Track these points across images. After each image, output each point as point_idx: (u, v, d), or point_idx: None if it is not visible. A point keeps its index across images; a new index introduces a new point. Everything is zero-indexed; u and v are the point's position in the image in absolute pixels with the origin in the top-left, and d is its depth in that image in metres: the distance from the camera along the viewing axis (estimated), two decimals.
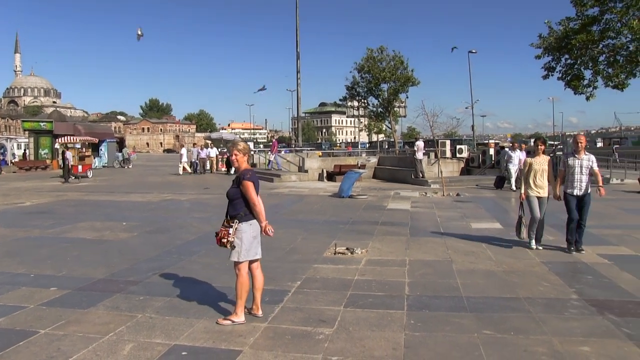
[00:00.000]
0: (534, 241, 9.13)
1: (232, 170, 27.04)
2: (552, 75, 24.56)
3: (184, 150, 34.68)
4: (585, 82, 23.95)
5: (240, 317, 5.41)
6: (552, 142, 34.36)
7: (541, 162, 9.12)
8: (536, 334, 5.06)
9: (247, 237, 5.32)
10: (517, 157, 19.80)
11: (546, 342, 4.88)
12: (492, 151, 32.30)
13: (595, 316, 5.62)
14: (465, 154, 32.82)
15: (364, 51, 41.51)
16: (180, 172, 32.62)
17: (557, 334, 5.07)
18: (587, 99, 24.08)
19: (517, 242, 9.68)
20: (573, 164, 8.86)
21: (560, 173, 9.12)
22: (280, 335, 5.12)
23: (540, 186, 9.05)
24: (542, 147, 9.29)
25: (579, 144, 8.89)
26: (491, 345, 4.77)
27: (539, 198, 9.05)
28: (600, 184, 8.96)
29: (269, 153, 33.21)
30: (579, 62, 23.56)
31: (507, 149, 22.60)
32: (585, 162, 8.81)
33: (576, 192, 8.83)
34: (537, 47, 24.42)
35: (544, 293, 6.48)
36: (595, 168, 8.90)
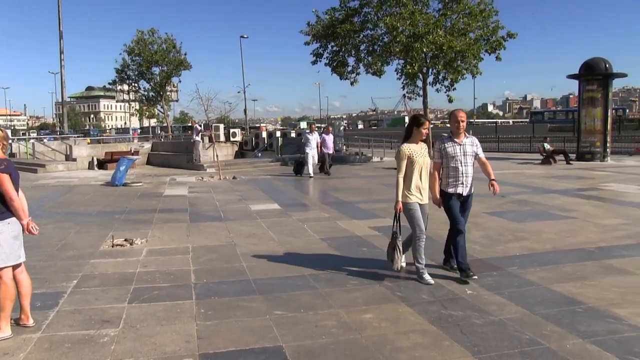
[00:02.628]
0: (427, 274, 6.11)
1: None
2: (320, 61, 25.80)
3: None
4: (349, 68, 25.68)
5: (5, 331, 4.57)
6: (320, 125, 36.24)
7: (423, 153, 6.23)
8: (324, 309, 5.21)
9: (7, 239, 4.53)
10: (315, 139, 19.44)
11: (334, 314, 5.05)
12: (264, 134, 33.21)
13: (374, 285, 6.00)
14: (239, 138, 33.23)
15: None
16: None
17: (342, 305, 5.29)
18: (352, 84, 25.89)
19: (296, 220, 10.02)
20: (453, 151, 6.17)
21: (435, 166, 6.33)
22: (58, 344, 4.45)
23: (424, 188, 6.24)
24: (425, 130, 6.23)
25: (460, 124, 6.17)
26: (284, 325, 4.77)
27: (421, 206, 6.24)
28: (492, 176, 6.47)
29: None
30: (343, 49, 25.09)
31: (306, 132, 21.50)
32: (469, 148, 6.27)
33: (460, 190, 6.22)
34: (306, 34, 25.46)
35: (327, 268, 6.74)
36: (482, 155, 6.44)
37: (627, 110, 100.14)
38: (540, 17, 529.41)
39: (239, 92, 69.48)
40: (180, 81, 43.85)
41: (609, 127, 24.53)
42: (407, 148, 6.19)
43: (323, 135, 19.91)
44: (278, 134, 33.43)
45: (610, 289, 5.75)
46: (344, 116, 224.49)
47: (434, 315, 5.01)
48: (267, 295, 5.66)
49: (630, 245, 7.79)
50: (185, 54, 40.15)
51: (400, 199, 6.23)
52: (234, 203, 12.66)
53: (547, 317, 4.90)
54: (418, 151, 6.19)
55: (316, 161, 19.26)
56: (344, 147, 30.92)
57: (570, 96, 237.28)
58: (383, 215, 10.53)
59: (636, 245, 7.83)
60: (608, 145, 24.63)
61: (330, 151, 19.78)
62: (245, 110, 59.74)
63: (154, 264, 6.99)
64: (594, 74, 24.10)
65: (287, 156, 26.11)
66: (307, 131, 21.16)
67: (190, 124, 37.60)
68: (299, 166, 19.33)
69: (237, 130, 35.07)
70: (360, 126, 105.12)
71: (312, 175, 18.45)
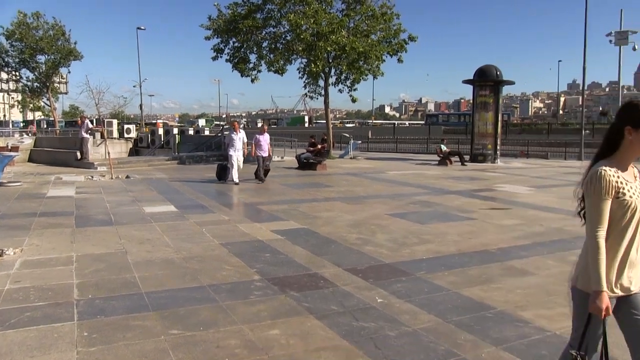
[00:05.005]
0: None
1: None
2: (220, 57, 25.14)
3: None
4: (251, 65, 25.21)
5: None
6: (219, 123, 35.51)
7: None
8: (226, 325, 4.71)
9: None
10: (241, 140, 16.43)
11: (237, 332, 4.57)
12: (161, 131, 31.97)
13: (279, 295, 5.59)
14: (133, 134, 31.76)
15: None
16: None
17: (246, 321, 4.82)
18: (253, 81, 25.46)
19: (194, 224, 9.42)
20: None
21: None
22: None
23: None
24: None
25: None
26: (181, 347, 4.22)
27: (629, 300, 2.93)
28: None
29: None
30: (245, 46, 24.60)
31: (230, 131, 17.73)
32: None
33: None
34: (206, 28, 24.67)
35: (227, 277, 6.23)
36: None
37: (511, 116, 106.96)
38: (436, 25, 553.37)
39: (134, 87, 66.53)
40: (69, 72, 41.28)
41: (499, 130, 25.74)
42: (614, 175, 2.77)
43: (257, 135, 17.05)
44: (175, 131, 32.27)
45: (515, 291, 5.82)
46: (244, 114, 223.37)
47: (345, 328, 4.67)
48: (162, 311, 5.06)
49: (527, 245, 8.06)
50: (75, 43, 37.74)
51: (603, 286, 2.76)
52: (127, 205, 11.77)
53: (460, 325, 4.77)
54: (632, 182, 2.84)
55: (241, 165, 16.40)
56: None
57: (462, 100, 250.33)
58: (285, 217, 10.20)
59: (532, 245, 8.10)
60: (498, 147, 25.88)
61: (266, 154, 16.70)
62: (141, 106, 57.22)
63: (29, 279, 6.07)
64: (487, 80, 25.20)
65: (184, 154, 25.16)
66: (231, 130, 17.72)
67: (77, 120, 35.20)
68: (222, 171, 16.49)
69: (132, 127, 33.58)
70: (260, 124, 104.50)
71: (237, 181, 15.70)
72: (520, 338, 4.51)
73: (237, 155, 16.02)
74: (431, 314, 5.06)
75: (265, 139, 16.90)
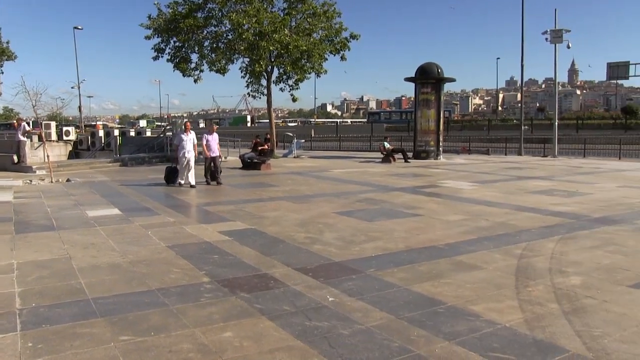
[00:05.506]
0: None
1: None
2: (162, 56, 24.74)
3: None
4: (193, 65, 24.91)
5: None
6: (160, 124, 34.92)
7: None
8: (178, 329, 4.68)
9: None
10: (191, 140, 15.63)
11: (189, 336, 4.55)
12: (101, 133, 31.20)
13: (229, 297, 5.58)
14: (73, 137, 30.87)
15: None
16: None
17: (198, 324, 4.80)
18: (195, 81, 25.17)
19: (140, 227, 9.26)
20: None
21: None
22: None
23: None
24: None
25: None
26: (132, 354, 4.17)
27: None
28: None
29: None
30: (186, 45, 24.28)
31: (179, 132, 16.79)
32: None
33: None
34: (146, 27, 24.21)
35: (177, 280, 6.17)
36: None
37: (452, 113, 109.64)
38: (375, 24, 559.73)
39: (72, 88, 64.66)
40: (2, 72, 39.63)
41: (441, 127, 26.35)
42: None
43: (206, 135, 16.53)
44: (116, 132, 31.49)
45: (464, 286, 5.96)
46: (185, 114, 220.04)
47: (298, 328, 4.72)
48: (111, 317, 4.98)
49: (473, 240, 8.27)
50: (7, 42, 36.25)
51: None
52: (69, 209, 11.44)
53: (412, 321, 4.86)
54: None
55: (192, 166, 15.52)
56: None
57: (403, 98, 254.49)
58: (232, 218, 10.17)
59: (478, 240, 8.32)
60: (441, 144, 26.49)
61: (216, 154, 16.26)
62: (79, 107, 55.83)
63: None
64: (429, 78, 25.74)
65: (127, 156, 24.63)
66: (181, 130, 16.96)
67: (12, 123, 33.82)
68: (171, 174, 15.69)
69: (71, 129, 32.59)
70: (202, 125, 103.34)
71: (193, 184, 15.23)
72: (472, 332, 4.62)
73: (189, 157, 15.36)
74: (383, 311, 5.14)
75: (214, 139, 16.51)
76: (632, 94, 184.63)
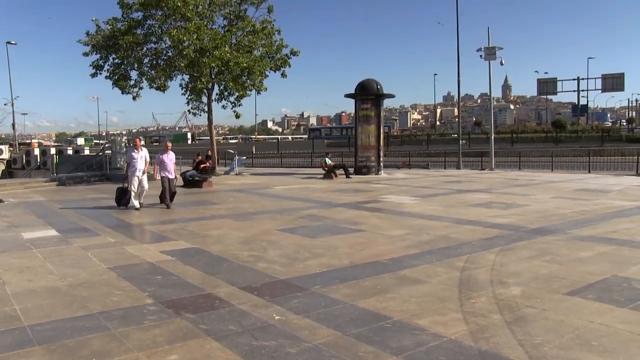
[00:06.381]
0: None
1: None
2: (100, 73, 24.24)
3: None
4: (132, 82, 24.52)
5: None
6: (99, 142, 34.12)
7: None
8: (121, 354, 4.59)
9: None
10: (143, 158, 14.68)
11: None
12: (37, 151, 30.27)
13: (174, 318, 5.51)
14: (6, 155, 29.82)
15: None
16: None
17: (142, 347, 4.73)
18: (134, 98, 24.75)
19: (79, 248, 9.02)
20: None
21: None
22: None
23: None
24: None
25: None
26: None
27: None
28: None
29: None
30: (125, 62, 23.89)
31: (130, 150, 15.47)
32: None
33: None
34: (84, 44, 23.73)
35: (119, 303, 6.04)
36: None
37: (392, 128, 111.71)
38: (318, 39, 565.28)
39: (5, 105, 62.56)
40: None
41: (381, 142, 26.82)
42: None
43: (159, 155, 15.13)
44: (53, 150, 30.56)
45: (409, 300, 6.05)
46: (124, 132, 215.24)
47: (245, 348, 4.71)
48: (49, 344, 4.82)
49: (417, 254, 8.41)
50: None
51: None
52: (2, 231, 11.01)
53: (359, 337, 4.91)
54: None
55: (145, 187, 14.74)
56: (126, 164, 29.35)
57: (343, 114, 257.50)
58: (174, 237, 10.05)
59: (421, 254, 8.47)
60: (381, 159, 26.92)
61: (172, 175, 14.94)
62: (13, 125, 53.95)
63: None
64: (368, 94, 26.21)
65: (64, 175, 23.94)
66: (131, 148, 15.67)
67: None
68: (122, 195, 14.57)
69: (4, 147, 31.47)
70: (142, 143, 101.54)
71: (138, 206, 14.35)
72: (419, 346, 4.68)
73: (141, 177, 14.49)
74: (330, 328, 5.17)
75: (170, 159, 15.07)
76: (560, 108, 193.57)
